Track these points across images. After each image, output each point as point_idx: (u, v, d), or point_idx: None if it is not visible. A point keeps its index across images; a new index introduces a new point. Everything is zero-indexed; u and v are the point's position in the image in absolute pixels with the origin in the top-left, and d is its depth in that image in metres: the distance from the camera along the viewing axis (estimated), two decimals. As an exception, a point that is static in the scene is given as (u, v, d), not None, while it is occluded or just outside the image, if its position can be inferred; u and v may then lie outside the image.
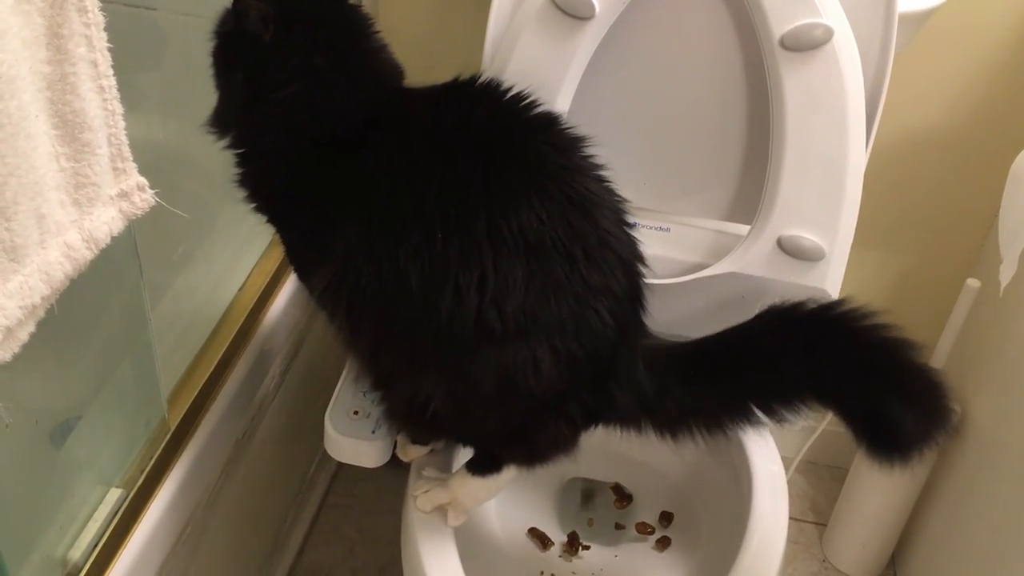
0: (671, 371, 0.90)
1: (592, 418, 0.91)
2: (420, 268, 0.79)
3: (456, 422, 0.91)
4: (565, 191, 0.82)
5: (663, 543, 1.17)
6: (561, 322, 0.81)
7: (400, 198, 0.81)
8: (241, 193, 0.91)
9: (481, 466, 0.96)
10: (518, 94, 0.86)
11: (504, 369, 0.81)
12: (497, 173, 0.81)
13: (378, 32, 0.91)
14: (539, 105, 0.87)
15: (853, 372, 0.85)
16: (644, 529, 1.18)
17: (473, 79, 0.87)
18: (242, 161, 0.90)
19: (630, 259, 0.87)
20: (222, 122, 0.89)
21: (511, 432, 0.91)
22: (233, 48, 0.86)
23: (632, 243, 0.88)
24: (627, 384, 0.88)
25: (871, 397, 0.85)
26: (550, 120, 0.87)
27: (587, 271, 0.81)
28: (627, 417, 0.91)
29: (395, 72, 0.91)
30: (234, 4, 0.84)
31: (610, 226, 0.84)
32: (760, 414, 0.89)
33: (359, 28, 0.90)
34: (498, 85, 0.87)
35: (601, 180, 0.87)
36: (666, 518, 1.20)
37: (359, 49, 0.89)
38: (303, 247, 0.92)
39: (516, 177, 0.81)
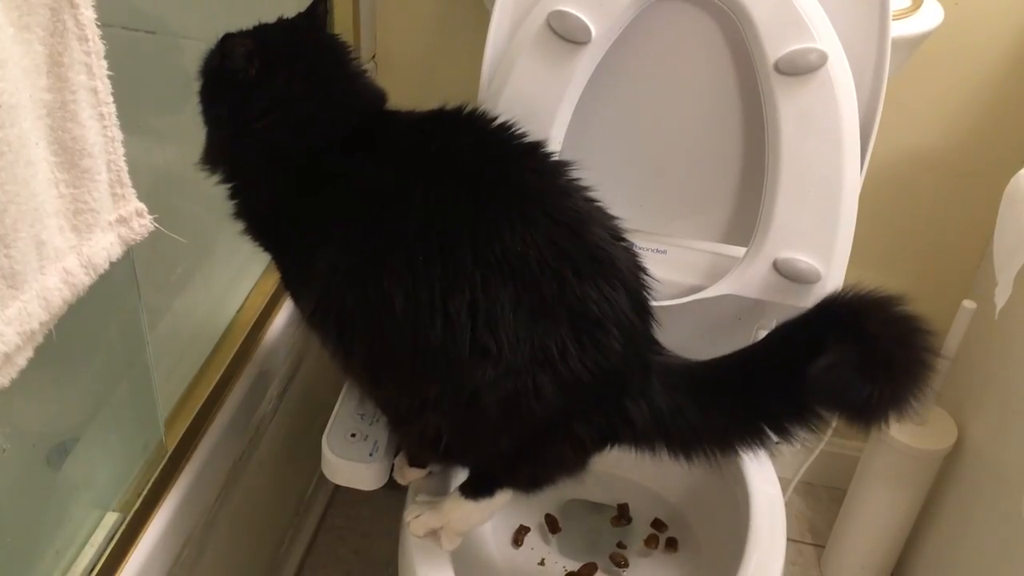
0: (685, 391, 0.89)
1: (605, 439, 0.91)
2: (404, 292, 0.80)
3: (466, 450, 0.91)
4: (549, 213, 0.82)
5: (670, 546, 1.18)
6: (560, 343, 0.81)
7: (381, 222, 0.82)
8: (239, 226, 0.92)
9: (474, 490, 0.95)
10: (504, 123, 0.87)
11: (505, 395, 0.81)
12: (479, 198, 0.82)
13: (357, 59, 0.93)
14: (524, 134, 0.87)
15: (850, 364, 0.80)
16: (651, 543, 1.19)
17: (459, 108, 0.88)
18: (234, 193, 0.91)
19: (629, 271, 0.86)
20: (212, 159, 0.91)
21: (518, 456, 0.90)
22: (218, 85, 0.88)
23: (630, 255, 0.88)
24: (642, 399, 0.88)
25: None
26: (533, 147, 0.88)
27: (581, 289, 0.81)
28: (641, 437, 0.91)
29: (377, 96, 0.93)
30: (220, 44, 0.85)
31: (602, 242, 0.84)
32: (772, 434, 0.88)
33: (337, 56, 0.92)
34: (484, 114, 0.88)
35: (589, 200, 0.87)
36: (660, 526, 1.21)
37: (338, 75, 0.91)
38: (294, 271, 0.93)
39: (498, 202, 0.82)
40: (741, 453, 0.90)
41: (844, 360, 0.80)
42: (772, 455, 1.05)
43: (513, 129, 0.87)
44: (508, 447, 0.88)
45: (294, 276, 0.94)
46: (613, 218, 0.89)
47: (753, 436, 0.89)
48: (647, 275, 0.89)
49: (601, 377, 0.83)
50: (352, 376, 0.94)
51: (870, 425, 0.82)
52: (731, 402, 0.89)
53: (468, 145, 0.86)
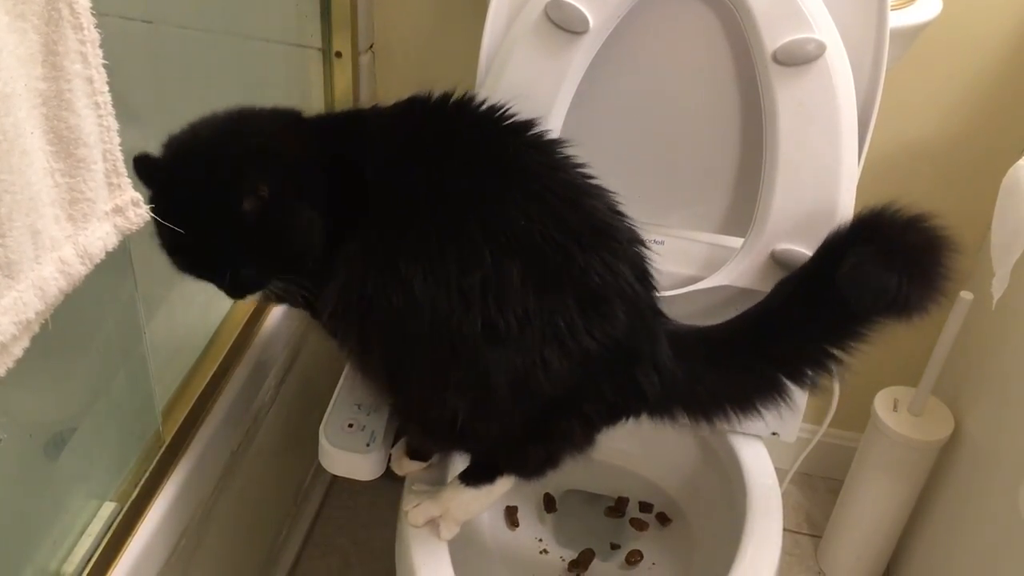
0: (697, 355, 0.90)
1: (619, 412, 0.91)
2: (422, 274, 0.80)
3: (480, 433, 0.90)
4: (549, 187, 0.83)
5: (662, 521, 1.20)
6: (567, 317, 0.81)
7: (393, 212, 0.82)
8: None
9: (475, 477, 0.96)
10: (493, 105, 0.88)
11: (515, 371, 0.82)
12: (481, 177, 0.83)
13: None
14: (514, 114, 0.88)
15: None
16: (641, 526, 1.19)
17: (446, 96, 0.88)
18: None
19: (629, 242, 0.87)
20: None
21: (529, 436, 0.90)
22: (250, 239, 0.82)
23: (628, 227, 0.88)
24: (653, 367, 0.88)
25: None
26: (526, 124, 0.88)
27: (585, 261, 0.82)
28: (656, 406, 0.91)
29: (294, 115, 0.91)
30: (231, 204, 0.80)
31: (601, 215, 0.85)
32: (790, 382, 0.90)
33: (271, 114, 0.89)
34: (472, 99, 0.88)
35: (585, 176, 0.88)
36: (646, 507, 1.22)
37: (295, 126, 0.89)
38: (312, 279, 0.89)
39: (500, 179, 0.83)
40: (762, 410, 0.91)
41: (866, 258, 0.84)
42: (753, 444, 1.07)
43: (503, 110, 0.88)
44: (520, 426, 0.88)
45: (312, 283, 0.90)
46: (610, 192, 0.89)
47: (772, 389, 0.90)
48: (646, 247, 0.89)
49: (609, 348, 0.83)
50: (370, 374, 0.93)
51: (911, 315, 0.84)
52: (746, 358, 0.91)
53: (463, 128, 0.87)
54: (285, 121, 0.89)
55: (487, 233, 0.80)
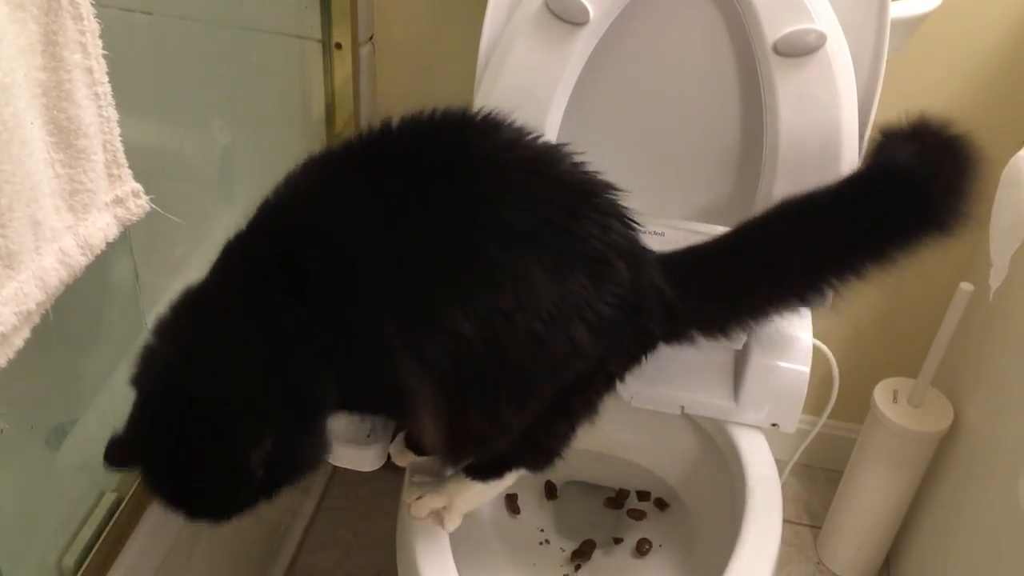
0: (699, 278, 0.91)
1: (635, 360, 0.92)
2: (463, 314, 0.77)
3: (519, 428, 0.89)
4: (520, 168, 0.82)
5: (660, 507, 1.21)
6: (584, 292, 0.81)
7: (398, 275, 0.78)
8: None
9: (483, 471, 0.96)
10: (415, 116, 0.83)
11: (553, 364, 0.82)
12: (453, 188, 0.79)
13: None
14: (445, 114, 0.84)
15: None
16: (638, 516, 1.19)
17: (367, 134, 0.83)
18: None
19: (602, 191, 0.86)
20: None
21: (551, 420, 0.90)
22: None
23: (597, 179, 0.86)
24: (661, 306, 0.88)
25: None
26: (463, 117, 0.84)
27: (584, 230, 0.81)
28: (672, 335, 0.92)
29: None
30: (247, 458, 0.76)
31: (573, 176, 0.85)
32: (785, 310, 0.92)
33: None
34: (392, 123, 0.83)
35: (535, 138, 0.85)
36: (644, 496, 1.22)
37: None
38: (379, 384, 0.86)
39: (469, 182, 0.80)
40: (770, 319, 0.93)
41: (898, 144, 0.89)
42: (753, 436, 1.08)
43: (431, 114, 0.83)
44: (548, 410, 0.88)
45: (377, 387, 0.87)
46: (565, 146, 0.86)
47: (780, 304, 0.92)
48: (618, 190, 0.88)
49: (620, 307, 0.84)
50: (429, 426, 0.88)
51: (933, 223, 0.89)
52: (745, 294, 0.92)
53: (405, 153, 0.82)
54: (238, 297, 0.82)
55: (493, 241, 0.78)
